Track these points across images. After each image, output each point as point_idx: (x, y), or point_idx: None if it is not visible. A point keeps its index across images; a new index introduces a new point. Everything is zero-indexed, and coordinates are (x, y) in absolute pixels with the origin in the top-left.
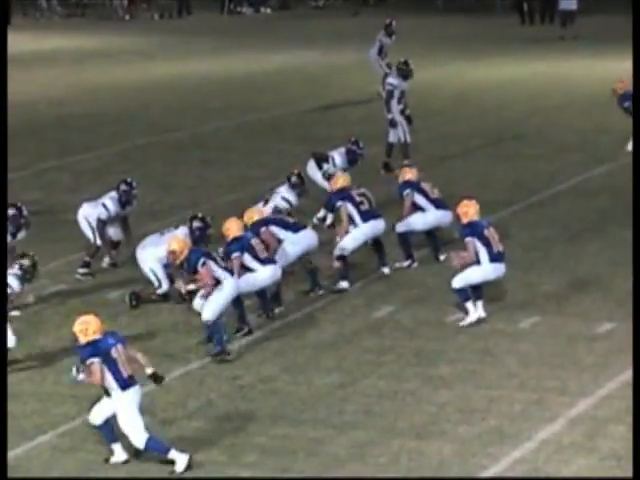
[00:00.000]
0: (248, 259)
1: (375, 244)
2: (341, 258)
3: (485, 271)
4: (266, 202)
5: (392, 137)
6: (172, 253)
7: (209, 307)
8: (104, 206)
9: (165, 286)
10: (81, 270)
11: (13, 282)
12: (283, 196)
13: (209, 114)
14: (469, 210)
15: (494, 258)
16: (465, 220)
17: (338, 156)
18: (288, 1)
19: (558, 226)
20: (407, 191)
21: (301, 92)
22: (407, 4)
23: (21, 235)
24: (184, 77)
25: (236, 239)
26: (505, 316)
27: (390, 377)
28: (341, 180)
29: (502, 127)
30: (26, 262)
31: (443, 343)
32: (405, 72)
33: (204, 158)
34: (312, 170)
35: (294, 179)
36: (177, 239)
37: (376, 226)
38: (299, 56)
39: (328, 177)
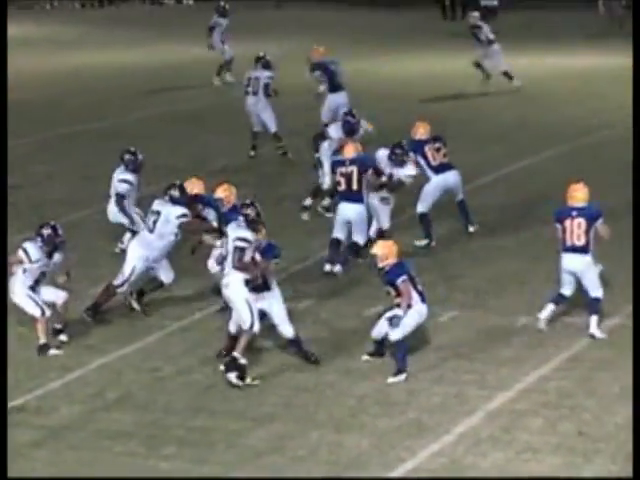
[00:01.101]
0: None
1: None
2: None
3: (420, 313)
4: None
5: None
6: None
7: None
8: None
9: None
10: None
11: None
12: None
13: (132, 104)
14: (391, 250)
15: (423, 299)
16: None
17: (334, 129)
18: (6, 3)
19: (478, 220)
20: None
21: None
22: None
23: (57, 257)
24: (106, 67)
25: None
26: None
27: (309, 369)
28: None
29: (431, 121)
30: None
31: (362, 336)
32: (265, 63)
33: (127, 148)
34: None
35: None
36: None
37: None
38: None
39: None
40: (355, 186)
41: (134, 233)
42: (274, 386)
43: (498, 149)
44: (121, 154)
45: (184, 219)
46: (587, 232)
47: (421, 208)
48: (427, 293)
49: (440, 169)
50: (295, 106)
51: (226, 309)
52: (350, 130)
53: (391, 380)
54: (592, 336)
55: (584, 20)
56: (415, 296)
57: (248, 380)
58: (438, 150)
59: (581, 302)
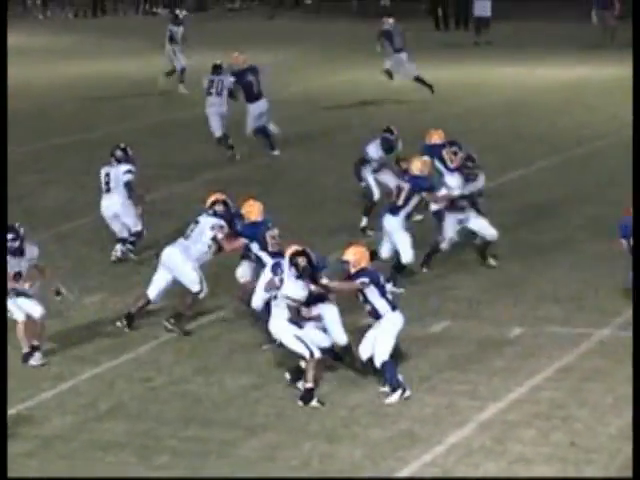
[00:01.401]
0: None
1: None
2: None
3: (393, 322)
4: None
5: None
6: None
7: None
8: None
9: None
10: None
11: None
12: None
13: (124, 114)
14: (363, 256)
15: (394, 307)
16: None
17: (373, 148)
18: (204, 2)
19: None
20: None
21: None
22: (323, 7)
23: (29, 253)
24: (99, 77)
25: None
26: (416, 320)
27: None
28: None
29: (417, 131)
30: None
31: (355, 346)
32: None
33: (116, 145)
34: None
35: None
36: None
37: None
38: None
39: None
40: (400, 202)
41: (123, 241)
42: (267, 396)
43: (491, 159)
44: (111, 151)
45: (218, 231)
46: None
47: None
48: (420, 304)
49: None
50: (291, 116)
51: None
52: (389, 147)
53: (388, 401)
54: None
55: (577, 31)
56: (384, 305)
57: (314, 402)
58: (455, 154)
59: (573, 314)
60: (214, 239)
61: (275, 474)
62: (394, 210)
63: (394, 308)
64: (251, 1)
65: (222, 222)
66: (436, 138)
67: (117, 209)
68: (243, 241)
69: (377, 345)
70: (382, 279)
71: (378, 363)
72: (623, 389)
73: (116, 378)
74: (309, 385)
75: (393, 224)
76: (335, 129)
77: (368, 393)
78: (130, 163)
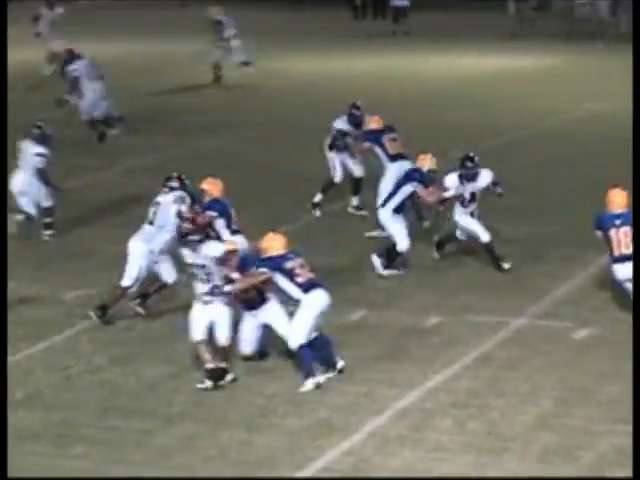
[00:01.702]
0: None
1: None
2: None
3: (309, 306)
4: None
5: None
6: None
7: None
8: None
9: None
10: None
11: None
12: None
13: (41, 103)
14: (274, 244)
15: (307, 288)
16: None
17: (341, 123)
18: (5, 3)
19: None
20: (367, 143)
21: (129, 82)
22: None
23: None
24: (14, 65)
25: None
26: (335, 309)
27: None
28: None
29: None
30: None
31: (273, 335)
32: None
33: (34, 122)
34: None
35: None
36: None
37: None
38: (129, 45)
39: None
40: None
41: (28, 218)
42: (184, 386)
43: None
44: (28, 129)
45: (181, 204)
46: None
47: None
48: (339, 292)
49: (397, 158)
50: (216, 102)
51: None
52: (357, 122)
53: (302, 390)
54: None
55: (495, 21)
56: (294, 289)
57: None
58: (394, 140)
59: (491, 303)
60: (179, 215)
61: (193, 463)
62: (383, 202)
63: (307, 290)
64: None
65: (182, 193)
66: (374, 124)
67: (24, 187)
68: (211, 215)
69: (290, 327)
70: (290, 262)
71: (293, 345)
72: (539, 378)
73: (33, 366)
74: (208, 366)
75: (383, 216)
76: (262, 120)
77: (286, 382)
78: (44, 145)
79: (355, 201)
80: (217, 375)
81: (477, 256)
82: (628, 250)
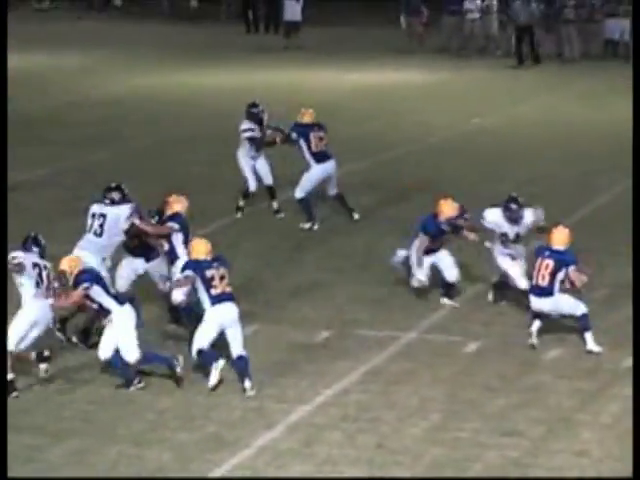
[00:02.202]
0: None
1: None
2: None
3: (214, 319)
4: None
5: None
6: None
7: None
8: None
9: None
10: None
11: None
12: None
13: None
14: (200, 248)
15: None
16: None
17: (246, 124)
18: (9, 2)
19: (281, 234)
20: (294, 134)
21: (25, 94)
22: (132, 9)
23: None
24: None
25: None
26: None
27: (110, 384)
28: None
29: (227, 134)
30: None
31: (165, 350)
32: None
33: None
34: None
35: None
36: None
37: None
38: (23, 58)
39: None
40: None
41: None
42: (73, 401)
43: (300, 163)
44: None
45: (135, 217)
46: (552, 274)
47: (300, 194)
48: None
49: (321, 157)
50: (96, 118)
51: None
52: (258, 120)
53: (210, 383)
54: (590, 351)
55: (386, 36)
56: (205, 298)
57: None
58: (321, 139)
59: (380, 317)
60: (131, 226)
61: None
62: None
63: (214, 303)
64: (60, 1)
65: (133, 205)
66: (307, 118)
67: None
68: (172, 227)
69: (194, 338)
70: (211, 271)
71: (193, 354)
72: (429, 391)
73: None
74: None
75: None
76: (141, 131)
77: (176, 397)
78: None
79: (275, 205)
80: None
81: (366, 271)
82: (544, 282)
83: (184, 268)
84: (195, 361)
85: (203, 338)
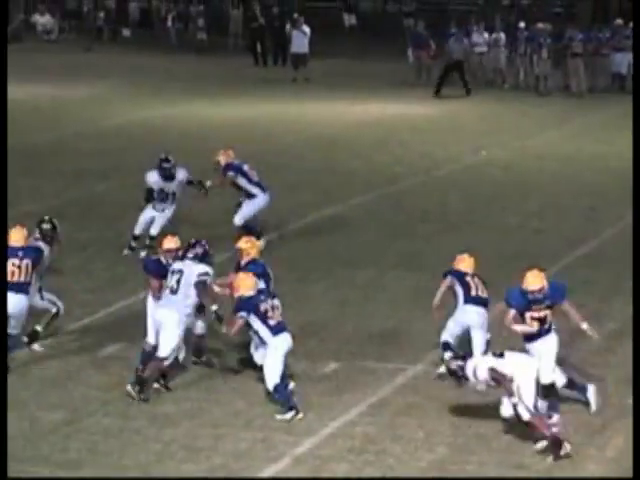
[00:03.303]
0: None
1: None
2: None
3: (276, 347)
4: None
5: None
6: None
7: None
8: None
9: None
10: None
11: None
12: None
13: None
14: (246, 282)
15: (277, 331)
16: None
17: (151, 175)
18: (19, 34)
19: (286, 266)
20: (230, 173)
21: (32, 124)
22: (141, 40)
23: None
24: None
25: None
26: (232, 355)
27: (116, 415)
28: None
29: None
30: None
31: (169, 381)
32: None
33: None
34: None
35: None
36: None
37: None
38: (31, 89)
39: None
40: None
41: None
42: (79, 431)
43: (307, 196)
44: None
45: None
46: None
47: (240, 221)
48: (235, 338)
49: (263, 187)
50: (104, 149)
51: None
52: (167, 175)
53: (279, 417)
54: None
55: (393, 69)
56: (265, 331)
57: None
58: (252, 169)
59: (387, 349)
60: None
61: None
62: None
63: (275, 333)
64: (68, 33)
65: (208, 269)
66: (227, 157)
67: None
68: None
69: (265, 371)
70: (263, 304)
71: (269, 387)
72: (435, 424)
73: None
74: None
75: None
76: (149, 162)
77: (183, 428)
78: None
79: (143, 254)
80: None
81: (372, 304)
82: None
83: (239, 308)
84: (272, 397)
85: (274, 371)
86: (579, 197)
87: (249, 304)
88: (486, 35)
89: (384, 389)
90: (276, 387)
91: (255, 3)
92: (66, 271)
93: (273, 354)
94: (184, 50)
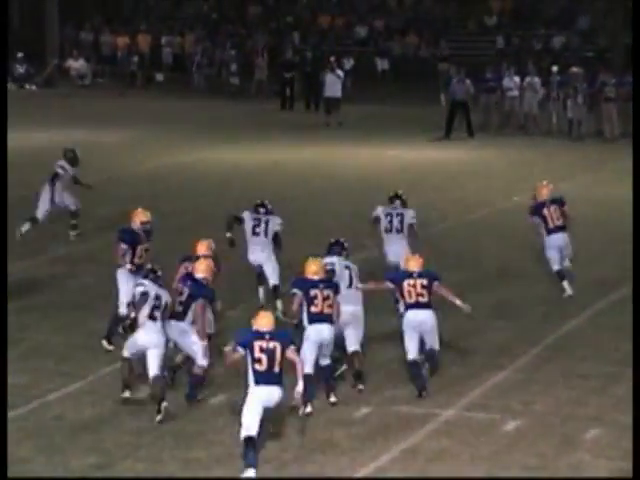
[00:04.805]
0: None
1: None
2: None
3: (307, 338)
4: None
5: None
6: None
7: None
8: None
9: None
10: None
11: None
12: None
13: None
14: (311, 267)
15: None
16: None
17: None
18: (53, 78)
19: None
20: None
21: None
22: (172, 86)
23: None
24: None
25: None
26: None
27: (149, 459)
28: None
29: None
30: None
31: (202, 425)
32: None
33: None
34: None
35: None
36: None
37: None
38: (64, 134)
39: None
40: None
41: None
42: (112, 476)
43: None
44: None
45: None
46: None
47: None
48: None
49: None
50: (133, 195)
51: None
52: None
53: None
54: None
55: (427, 114)
56: (305, 315)
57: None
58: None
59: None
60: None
61: None
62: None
63: (311, 321)
64: (102, 77)
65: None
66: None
67: None
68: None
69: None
70: (315, 290)
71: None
72: (468, 470)
73: None
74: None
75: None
76: (184, 209)
77: (213, 474)
78: None
79: None
80: None
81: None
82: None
83: (293, 284)
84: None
85: (307, 357)
86: (611, 243)
87: (302, 284)
88: (517, 79)
89: (416, 434)
90: (308, 376)
91: (289, 52)
92: (98, 313)
93: (305, 343)
94: (216, 94)
